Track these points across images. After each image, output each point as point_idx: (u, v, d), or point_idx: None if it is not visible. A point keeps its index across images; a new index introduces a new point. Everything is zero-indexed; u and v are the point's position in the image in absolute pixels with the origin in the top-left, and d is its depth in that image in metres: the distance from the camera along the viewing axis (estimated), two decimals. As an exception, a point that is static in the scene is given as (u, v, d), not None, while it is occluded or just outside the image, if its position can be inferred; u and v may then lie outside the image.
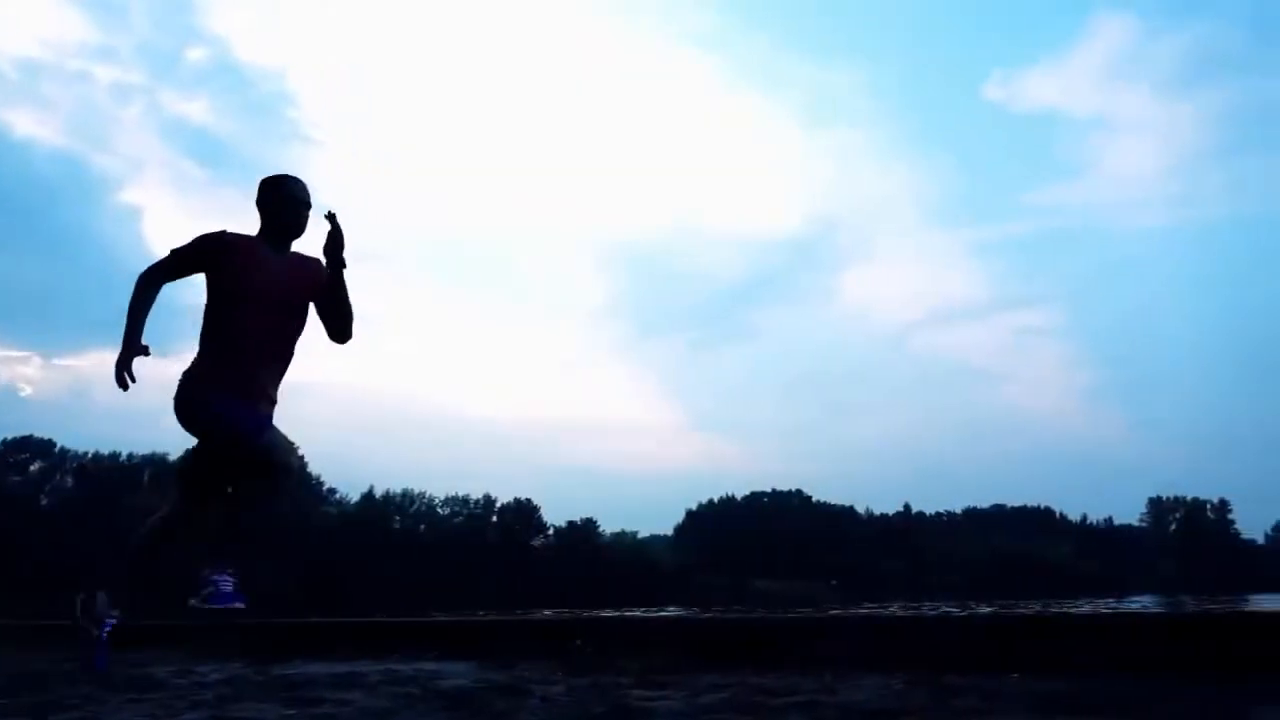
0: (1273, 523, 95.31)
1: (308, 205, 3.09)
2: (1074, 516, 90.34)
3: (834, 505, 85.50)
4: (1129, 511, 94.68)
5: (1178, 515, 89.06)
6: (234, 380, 2.95)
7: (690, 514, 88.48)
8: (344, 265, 3.02)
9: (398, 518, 73.60)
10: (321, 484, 68.27)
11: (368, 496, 71.66)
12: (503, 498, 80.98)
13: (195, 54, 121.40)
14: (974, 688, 1.91)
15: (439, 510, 77.57)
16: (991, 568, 70.10)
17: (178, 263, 2.98)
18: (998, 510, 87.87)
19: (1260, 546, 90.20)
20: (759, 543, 77.95)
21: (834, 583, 66.41)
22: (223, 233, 3.01)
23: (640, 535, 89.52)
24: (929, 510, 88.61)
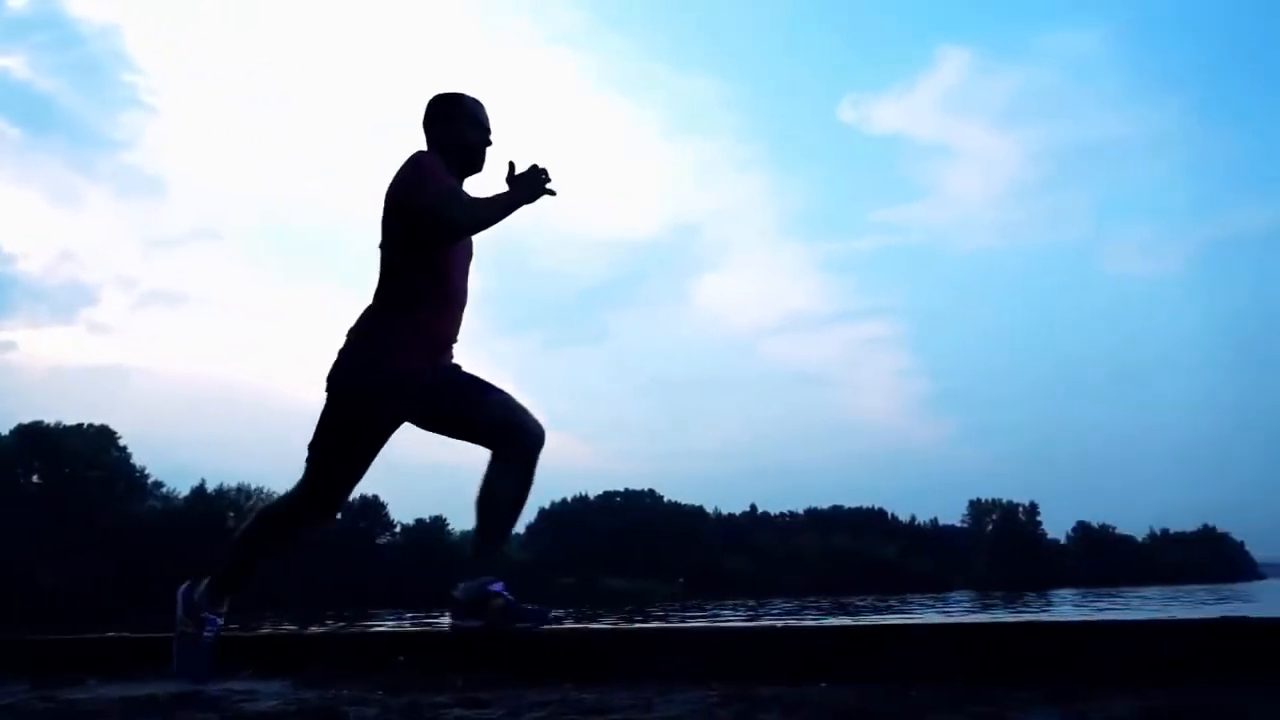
0: (1073, 523, 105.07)
1: (491, 138, 2.57)
2: (904, 517, 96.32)
3: (685, 505, 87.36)
4: (952, 513, 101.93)
5: (994, 517, 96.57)
6: (441, 341, 2.50)
7: (543, 512, 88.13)
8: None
9: (232, 514, 69.46)
10: (145, 476, 63.51)
11: (198, 491, 67.19)
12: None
13: (15, 1, 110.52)
14: (777, 699, 2.00)
15: (277, 506, 73.89)
16: (829, 567, 73.64)
17: (444, 181, 2.41)
18: (836, 511, 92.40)
19: (1063, 546, 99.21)
20: (611, 542, 78.63)
21: (681, 581, 67.84)
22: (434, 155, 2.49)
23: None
24: (773, 510, 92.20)
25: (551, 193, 2.29)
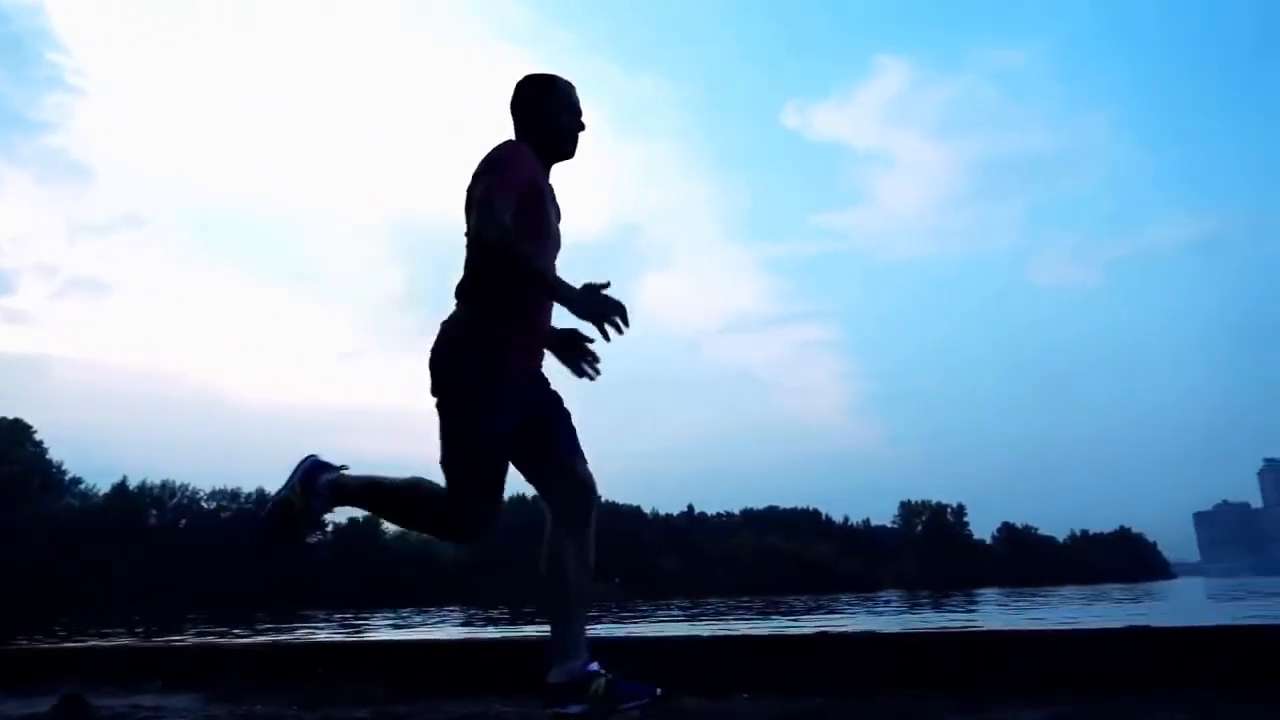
0: (999, 524, 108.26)
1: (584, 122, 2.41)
2: (838, 518, 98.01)
3: (622, 505, 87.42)
4: (884, 513, 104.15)
5: (923, 518, 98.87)
6: (540, 340, 2.30)
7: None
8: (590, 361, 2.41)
9: (154, 511, 67.20)
10: (63, 472, 61.06)
11: (119, 487, 64.83)
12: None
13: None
14: (701, 711, 2.01)
15: (204, 504, 71.72)
16: (763, 567, 74.46)
17: (510, 187, 2.16)
18: (771, 511, 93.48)
19: (988, 546, 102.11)
20: (547, 541, 78.19)
21: (616, 580, 67.90)
22: (522, 141, 2.32)
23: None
24: (710, 511, 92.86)
25: (604, 334, 2.04)
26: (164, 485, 69.31)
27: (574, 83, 2.41)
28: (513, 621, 13.11)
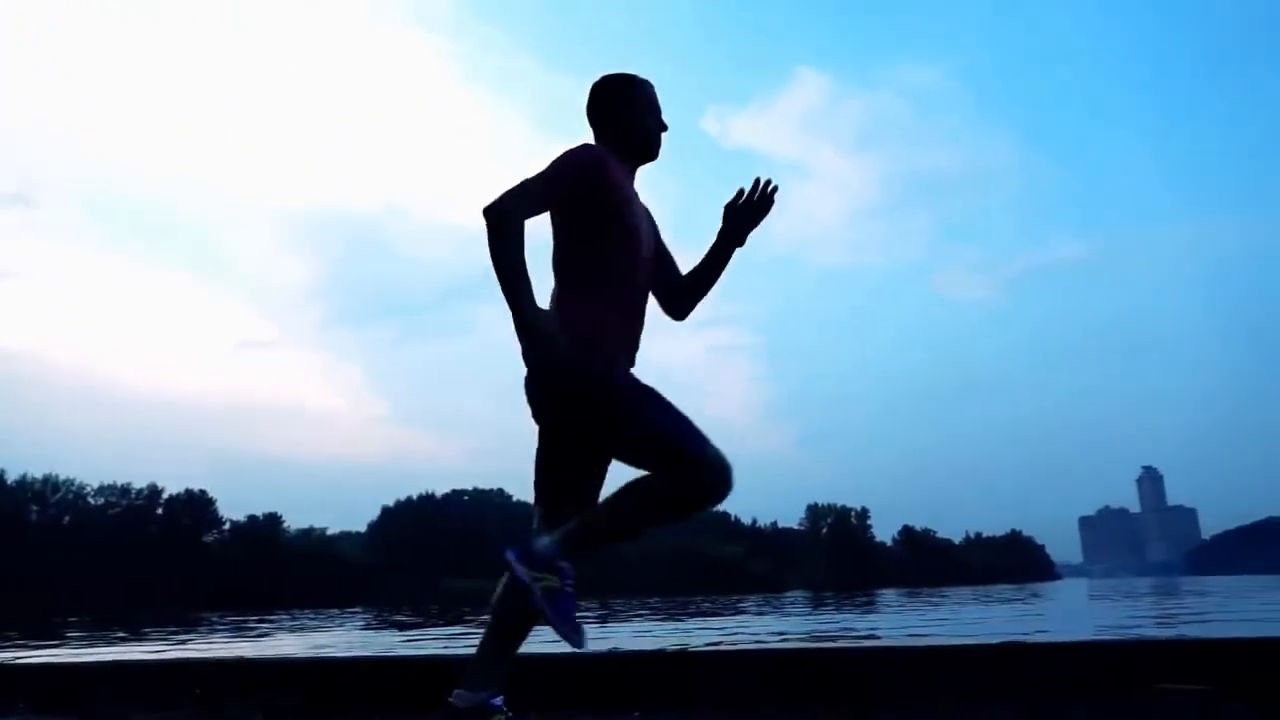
0: (899, 527, 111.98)
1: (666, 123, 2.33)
2: (747, 519, 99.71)
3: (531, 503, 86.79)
4: (791, 516, 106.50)
5: (829, 520, 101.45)
6: (629, 345, 2.18)
7: (386, 510, 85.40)
8: (744, 243, 2.35)
9: (35, 508, 63.48)
10: (-68, 466, 57.21)
11: (-4, 482, 61.16)
12: (171, 488, 73.12)
13: None
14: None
15: (90, 500, 68.15)
16: (674, 567, 75.13)
17: (549, 186, 2.08)
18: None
19: (889, 548, 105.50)
20: (456, 541, 77.11)
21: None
22: (597, 145, 2.23)
23: (330, 532, 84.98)
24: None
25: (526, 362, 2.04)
26: (47, 479, 65.59)
27: (653, 82, 2.33)
28: (421, 625, 12.88)
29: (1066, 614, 12.61)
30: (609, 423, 2.02)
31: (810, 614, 15.10)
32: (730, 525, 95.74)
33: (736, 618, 13.58)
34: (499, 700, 2.05)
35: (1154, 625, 7.80)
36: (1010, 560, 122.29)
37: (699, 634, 8.70)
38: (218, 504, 74.48)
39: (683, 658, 2.59)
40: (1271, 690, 1.99)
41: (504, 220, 1.98)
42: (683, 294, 2.37)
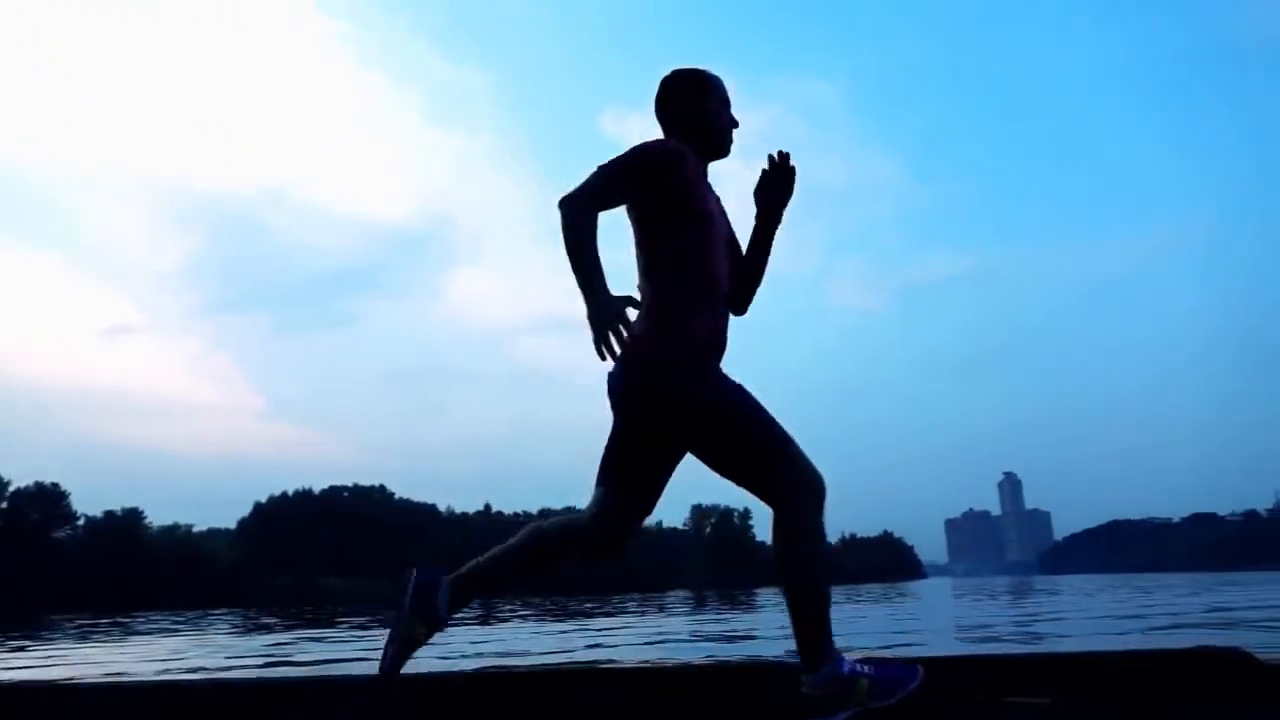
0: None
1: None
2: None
3: (416, 502, 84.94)
4: (676, 516, 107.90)
5: (713, 521, 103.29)
6: (718, 340, 2.12)
7: (259, 507, 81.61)
8: (780, 221, 2.32)
9: None
10: None
11: None
12: (18, 480, 67.91)
13: None
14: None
15: (-78, 492, 62.55)
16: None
17: (622, 178, 2.04)
18: (569, 511, 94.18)
19: (769, 547, 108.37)
20: (333, 539, 74.51)
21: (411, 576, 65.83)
22: (673, 139, 2.19)
23: (196, 529, 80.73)
24: (509, 510, 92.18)
25: (598, 349, 1.91)
26: None
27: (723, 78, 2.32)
28: (288, 629, 12.33)
29: (933, 610, 13.20)
30: (703, 425, 1.99)
31: (692, 614, 15.27)
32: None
33: (616, 619, 13.60)
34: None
35: (1011, 625, 8.22)
36: (882, 560, 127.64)
37: (581, 636, 8.65)
38: (71, 498, 69.61)
39: (532, 675, 2.54)
40: (1112, 698, 2.10)
41: (574, 210, 1.98)
42: (738, 289, 2.31)
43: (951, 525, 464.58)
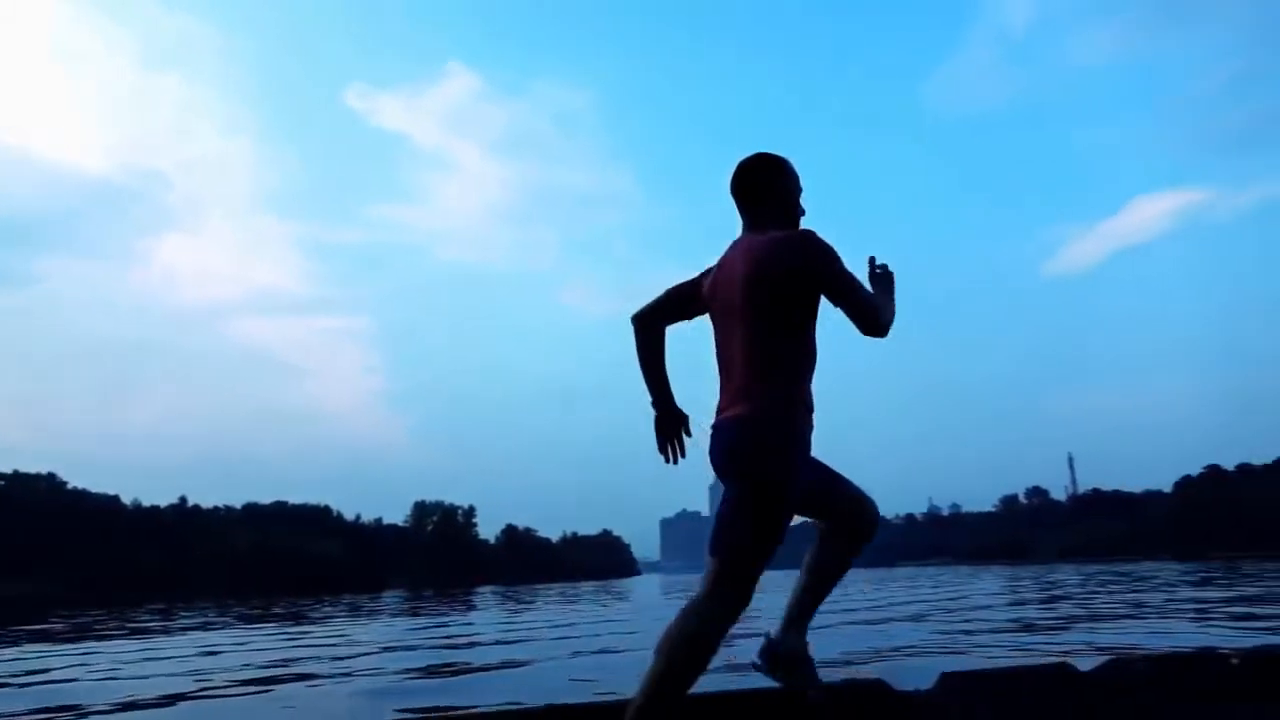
0: (503, 526, 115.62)
1: None
2: (349, 515, 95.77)
3: (96, 494, 75.06)
4: (397, 512, 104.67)
5: (435, 518, 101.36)
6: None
7: (-118, 495, 67.83)
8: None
9: None
10: None
11: None
12: None
13: None
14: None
15: None
16: (263, 566, 69.67)
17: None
18: (279, 507, 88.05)
19: (492, 546, 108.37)
20: (-14, 535, 63.94)
21: (81, 582, 58.12)
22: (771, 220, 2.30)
23: None
24: (207, 504, 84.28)
25: (662, 451, 2.47)
26: None
27: None
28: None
29: (645, 607, 14.18)
30: (750, 515, 2.10)
31: (402, 616, 15.11)
32: (330, 521, 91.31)
33: (318, 624, 13.25)
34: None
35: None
36: (600, 558, 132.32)
37: (236, 653, 8.39)
38: None
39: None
40: None
41: (890, 321, 2.27)
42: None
43: (666, 524, 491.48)
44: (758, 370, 2.13)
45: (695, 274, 2.37)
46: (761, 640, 2.32)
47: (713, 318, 2.29)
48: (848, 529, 2.35)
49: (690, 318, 2.39)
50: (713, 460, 2.20)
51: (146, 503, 78.20)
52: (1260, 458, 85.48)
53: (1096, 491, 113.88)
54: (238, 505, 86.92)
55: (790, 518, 2.15)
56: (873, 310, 2.13)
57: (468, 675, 5.65)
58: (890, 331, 2.20)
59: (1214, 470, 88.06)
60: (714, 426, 2.21)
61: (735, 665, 2.78)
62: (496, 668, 5.95)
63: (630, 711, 1.95)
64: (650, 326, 2.39)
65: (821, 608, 2.44)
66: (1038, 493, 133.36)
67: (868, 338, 2.14)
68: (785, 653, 2.29)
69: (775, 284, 2.11)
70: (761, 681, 2.31)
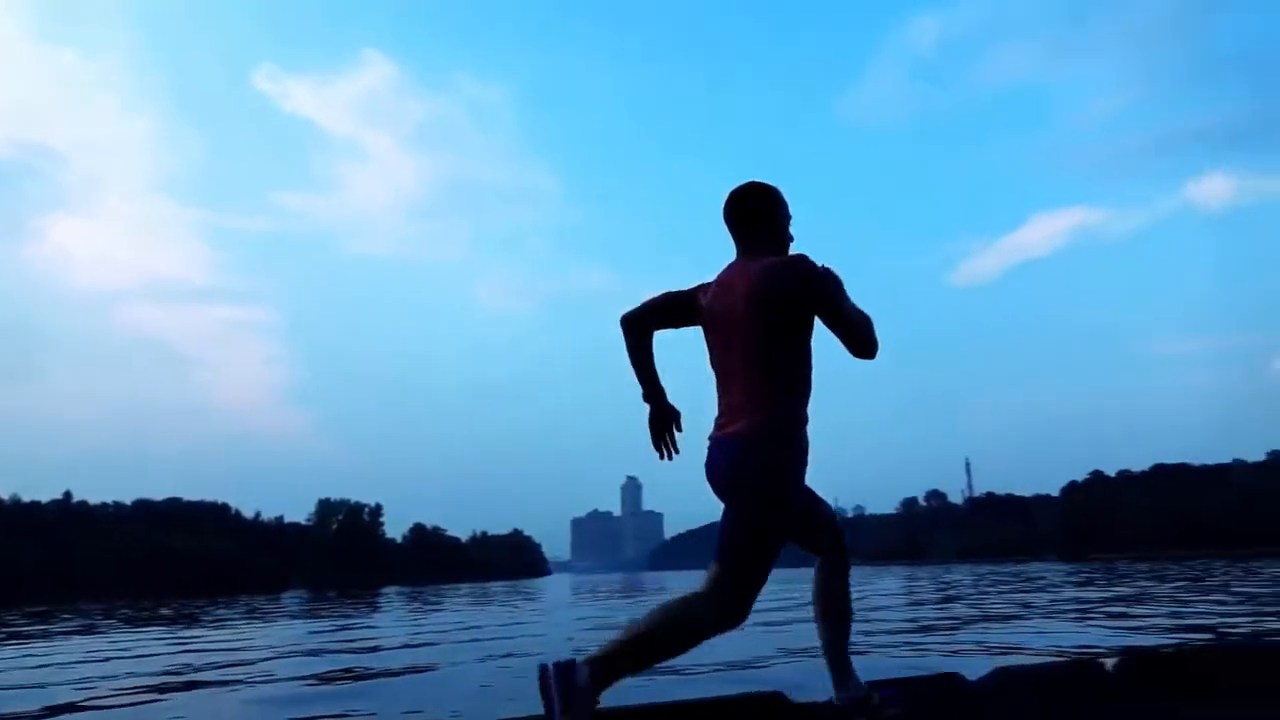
0: (411, 525, 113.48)
1: None
2: (249, 513, 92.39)
3: (-32, 488, 70.31)
4: (300, 510, 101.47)
5: (340, 517, 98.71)
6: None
7: None
8: None
9: None
10: None
11: None
12: None
13: None
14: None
15: None
16: (154, 565, 66.62)
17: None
18: (173, 504, 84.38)
19: (400, 545, 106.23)
20: None
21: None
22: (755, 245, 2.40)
23: None
24: (94, 500, 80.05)
25: (657, 447, 2.44)
26: None
27: None
28: None
29: (550, 614, 14.15)
30: (752, 526, 2.15)
31: (302, 619, 14.73)
32: (229, 519, 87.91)
33: (216, 628, 12.79)
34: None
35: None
36: (510, 557, 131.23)
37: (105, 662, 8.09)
38: None
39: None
40: None
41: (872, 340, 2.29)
42: None
43: (577, 524, 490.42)
44: (760, 389, 2.18)
45: (690, 285, 2.42)
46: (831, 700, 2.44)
47: (708, 332, 2.34)
48: (831, 564, 2.49)
49: (679, 327, 2.43)
50: (712, 474, 2.23)
51: (26, 498, 73.81)
52: (1139, 464, 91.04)
53: (991, 495, 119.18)
54: (128, 501, 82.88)
55: (790, 536, 2.24)
56: (865, 334, 2.22)
57: (370, 681, 5.53)
58: (875, 349, 2.28)
59: (1098, 475, 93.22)
60: (713, 441, 2.25)
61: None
62: (401, 673, 5.84)
63: (594, 653, 2.01)
64: (641, 330, 2.42)
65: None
66: (936, 495, 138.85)
67: (858, 359, 2.26)
68: (853, 704, 2.37)
69: (775, 306, 2.18)
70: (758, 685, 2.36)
